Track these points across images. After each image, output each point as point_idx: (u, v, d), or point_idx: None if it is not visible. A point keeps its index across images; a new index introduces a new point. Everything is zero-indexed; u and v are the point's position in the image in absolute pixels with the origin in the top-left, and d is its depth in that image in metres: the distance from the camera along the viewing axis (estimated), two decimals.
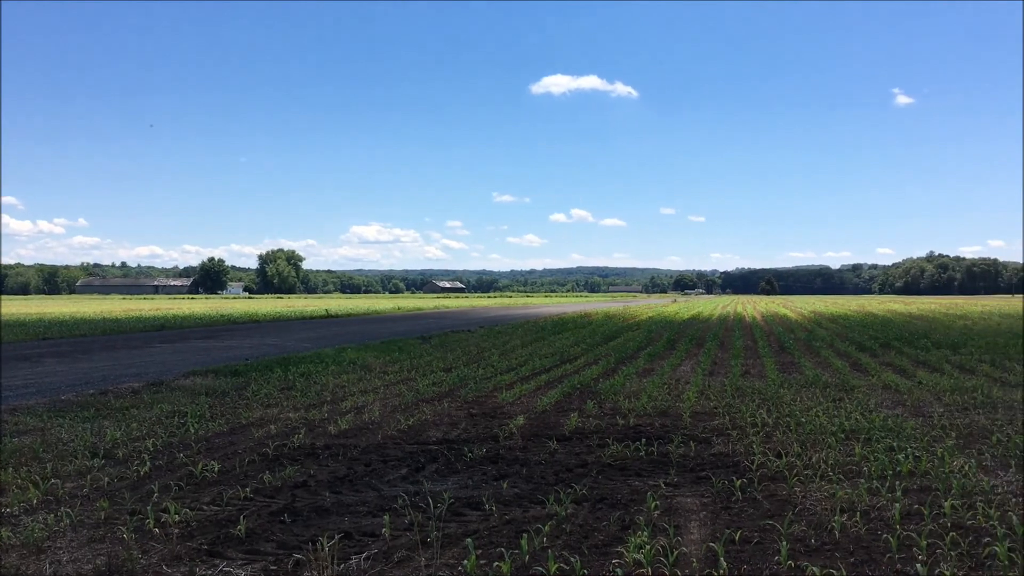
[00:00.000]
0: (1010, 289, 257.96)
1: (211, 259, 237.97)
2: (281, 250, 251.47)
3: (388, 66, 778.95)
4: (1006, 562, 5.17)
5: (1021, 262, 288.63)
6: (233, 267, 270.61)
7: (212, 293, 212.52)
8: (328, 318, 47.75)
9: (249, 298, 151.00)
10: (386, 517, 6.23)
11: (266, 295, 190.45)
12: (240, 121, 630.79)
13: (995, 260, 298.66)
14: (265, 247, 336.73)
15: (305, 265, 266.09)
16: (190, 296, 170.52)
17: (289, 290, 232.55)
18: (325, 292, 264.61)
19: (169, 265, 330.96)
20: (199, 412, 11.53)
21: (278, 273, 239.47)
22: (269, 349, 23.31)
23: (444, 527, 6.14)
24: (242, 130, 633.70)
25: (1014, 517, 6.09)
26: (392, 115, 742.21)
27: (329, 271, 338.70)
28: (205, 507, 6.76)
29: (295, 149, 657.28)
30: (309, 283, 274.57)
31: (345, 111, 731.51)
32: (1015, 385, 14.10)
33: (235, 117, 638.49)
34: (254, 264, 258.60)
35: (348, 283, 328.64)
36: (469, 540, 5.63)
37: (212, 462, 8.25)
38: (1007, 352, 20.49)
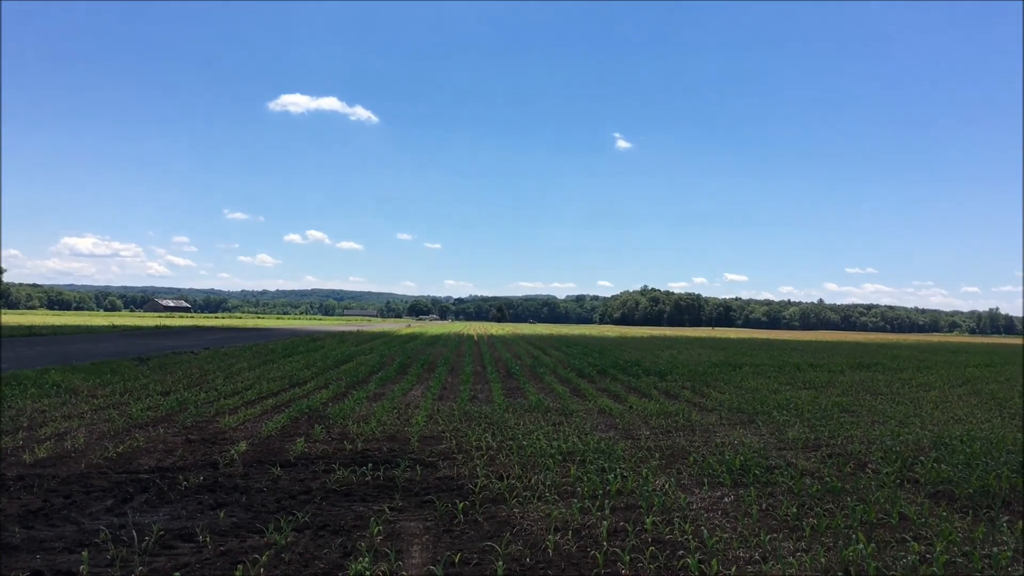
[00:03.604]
0: (711, 322, 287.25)
1: None
2: None
3: (111, 68, 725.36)
4: (697, 573, 5.67)
5: (720, 298, 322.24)
6: None
7: None
8: (30, 336, 43.31)
9: None
10: (85, 553, 5.74)
11: None
12: None
13: (698, 295, 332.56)
14: None
15: (5, 278, 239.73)
16: None
17: None
18: (29, 308, 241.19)
19: None
20: None
21: None
22: None
23: (151, 561, 5.75)
24: None
25: (705, 531, 6.69)
26: (115, 119, 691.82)
27: (35, 285, 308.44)
28: None
29: None
30: (10, 297, 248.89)
31: (60, 109, 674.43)
32: (711, 409, 15.56)
33: None
34: None
35: (57, 299, 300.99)
36: (177, 574, 5.30)
37: None
38: (705, 379, 22.60)
